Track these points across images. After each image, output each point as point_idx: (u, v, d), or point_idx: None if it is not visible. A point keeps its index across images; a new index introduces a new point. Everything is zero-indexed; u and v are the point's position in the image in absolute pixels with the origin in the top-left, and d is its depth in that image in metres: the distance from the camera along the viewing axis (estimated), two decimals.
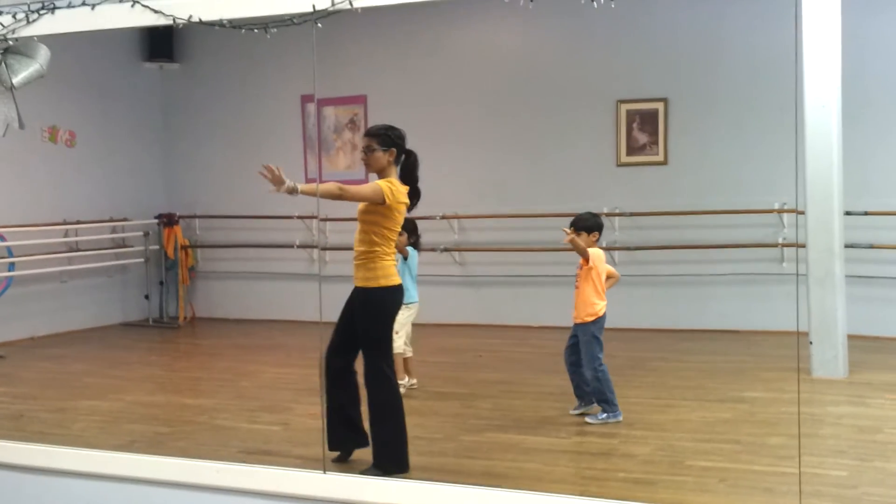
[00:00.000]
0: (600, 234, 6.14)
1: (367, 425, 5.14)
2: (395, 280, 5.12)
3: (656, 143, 9.38)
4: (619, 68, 9.45)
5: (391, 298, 5.15)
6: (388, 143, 5.11)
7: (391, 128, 5.18)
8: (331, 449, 5.14)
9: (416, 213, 10.87)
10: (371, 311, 5.08)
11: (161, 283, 10.88)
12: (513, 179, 9.82)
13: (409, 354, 6.94)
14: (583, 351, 6.04)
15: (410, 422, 5.97)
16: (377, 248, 5.06)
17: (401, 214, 5.14)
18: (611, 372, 7.06)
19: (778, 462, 5.02)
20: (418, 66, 10.17)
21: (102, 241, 10.49)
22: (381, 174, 5.12)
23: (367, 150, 5.12)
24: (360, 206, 5.09)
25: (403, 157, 5.20)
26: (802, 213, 7.14)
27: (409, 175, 5.19)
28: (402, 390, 6.22)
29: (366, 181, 5.39)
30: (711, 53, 9.10)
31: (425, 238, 9.81)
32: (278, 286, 10.56)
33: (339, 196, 4.97)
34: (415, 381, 6.96)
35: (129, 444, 5.65)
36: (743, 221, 8.92)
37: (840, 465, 4.99)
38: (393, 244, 5.15)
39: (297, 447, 5.50)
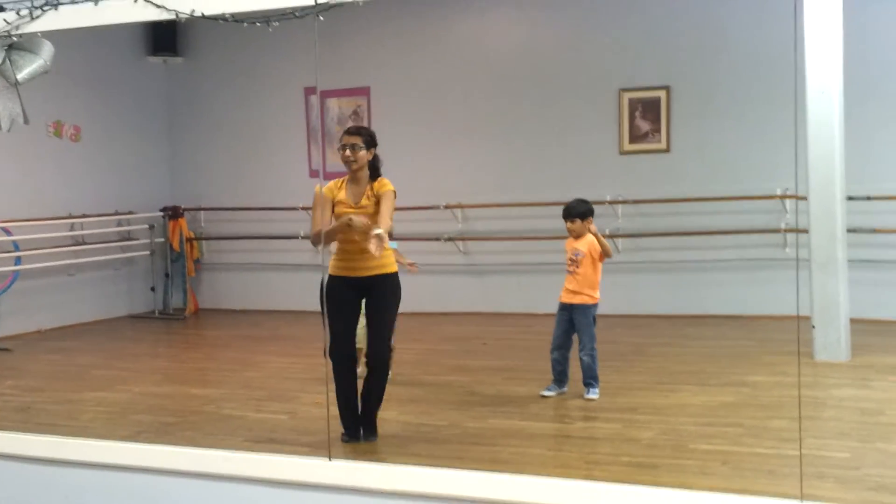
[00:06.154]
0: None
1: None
2: None
3: (659, 130, 9.39)
4: (621, 57, 9.47)
5: None
6: (370, 143, 5.37)
7: (369, 129, 5.50)
8: (352, 434, 5.38)
9: (419, 202, 10.86)
10: (398, 294, 5.42)
11: (167, 275, 10.95)
12: (516, 168, 9.85)
13: None
14: (583, 332, 6.17)
15: (416, 409, 6.07)
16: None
17: None
18: (614, 357, 7.11)
19: (780, 445, 5.05)
20: (421, 57, 10.18)
21: (108, 235, 10.55)
22: (360, 171, 5.35)
23: (354, 148, 5.32)
24: (385, 204, 5.30)
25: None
26: (804, 198, 7.15)
27: (376, 172, 5.42)
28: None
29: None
30: (713, 41, 9.12)
31: (429, 227, 9.89)
32: (283, 277, 10.61)
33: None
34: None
35: (137, 435, 5.70)
36: (745, 207, 8.95)
37: (842, 447, 5.02)
38: None
39: (303, 435, 5.54)
